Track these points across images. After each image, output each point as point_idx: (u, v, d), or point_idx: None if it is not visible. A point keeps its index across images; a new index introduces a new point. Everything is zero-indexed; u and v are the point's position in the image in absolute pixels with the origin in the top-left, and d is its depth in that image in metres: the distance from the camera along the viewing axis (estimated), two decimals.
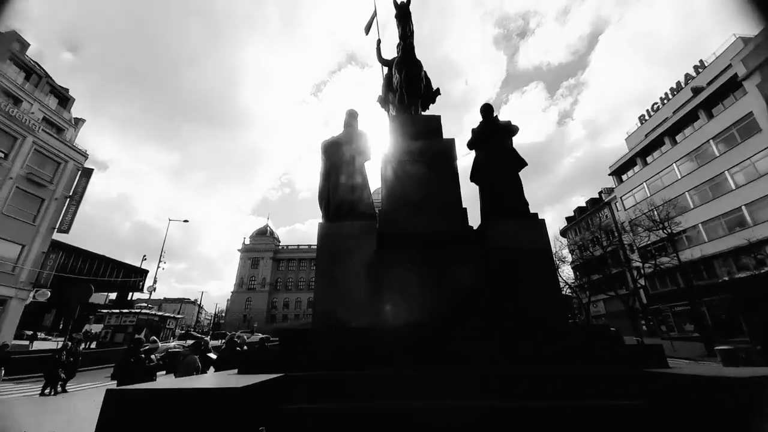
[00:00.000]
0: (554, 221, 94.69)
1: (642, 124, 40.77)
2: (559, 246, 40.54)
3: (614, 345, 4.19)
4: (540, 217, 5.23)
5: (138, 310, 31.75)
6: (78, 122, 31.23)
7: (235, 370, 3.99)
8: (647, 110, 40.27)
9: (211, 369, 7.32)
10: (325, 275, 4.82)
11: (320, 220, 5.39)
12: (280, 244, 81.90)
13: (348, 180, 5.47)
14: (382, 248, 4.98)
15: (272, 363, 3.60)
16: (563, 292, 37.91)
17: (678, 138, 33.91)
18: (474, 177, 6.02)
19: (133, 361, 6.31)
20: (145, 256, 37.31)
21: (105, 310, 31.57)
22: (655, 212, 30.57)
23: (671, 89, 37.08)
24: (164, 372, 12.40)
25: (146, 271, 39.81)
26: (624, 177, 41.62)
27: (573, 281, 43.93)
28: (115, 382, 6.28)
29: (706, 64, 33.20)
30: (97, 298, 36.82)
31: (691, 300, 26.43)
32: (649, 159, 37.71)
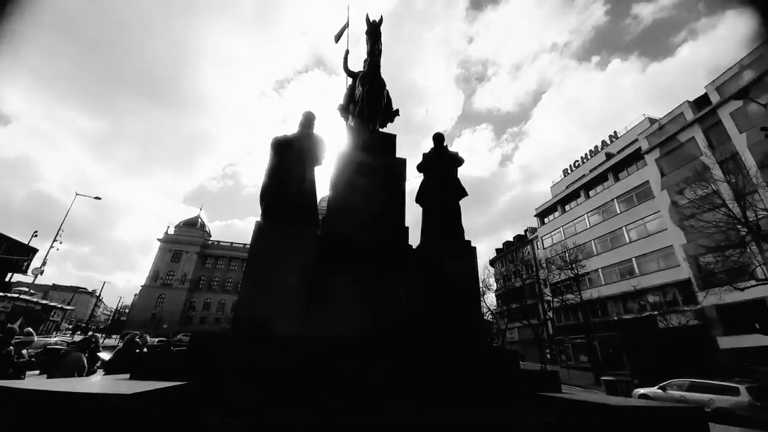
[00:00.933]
0: (487, 251, 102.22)
1: (565, 176, 46.76)
2: (487, 274, 43.71)
3: (517, 367, 4.58)
4: (475, 245, 5.61)
5: (16, 295, 26.39)
6: None
7: (128, 375, 3.50)
8: (570, 165, 46.40)
9: (101, 372, 6.32)
10: (255, 276, 4.54)
11: (259, 218, 5.11)
12: (211, 238, 75.39)
13: (295, 181, 5.31)
14: (322, 255, 4.88)
15: (176, 369, 3.24)
16: (486, 318, 40.74)
17: (591, 193, 39.41)
18: (419, 199, 6.28)
19: (2, 355, 5.19)
20: (36, 232, 31.40)
21: None
22: (567, 254, 34.79)
23: (590, 151, 43.33)
24: (38, 372, 10.44)
25: (35, 250, 33.49)
26: (546, 220, 46.85)
27: (495, 308, 47.42)
28: None
29: (619, 136, 39.57)
30: None
31: (587, 334, 30.19)
32: (567, 207, 43.06)
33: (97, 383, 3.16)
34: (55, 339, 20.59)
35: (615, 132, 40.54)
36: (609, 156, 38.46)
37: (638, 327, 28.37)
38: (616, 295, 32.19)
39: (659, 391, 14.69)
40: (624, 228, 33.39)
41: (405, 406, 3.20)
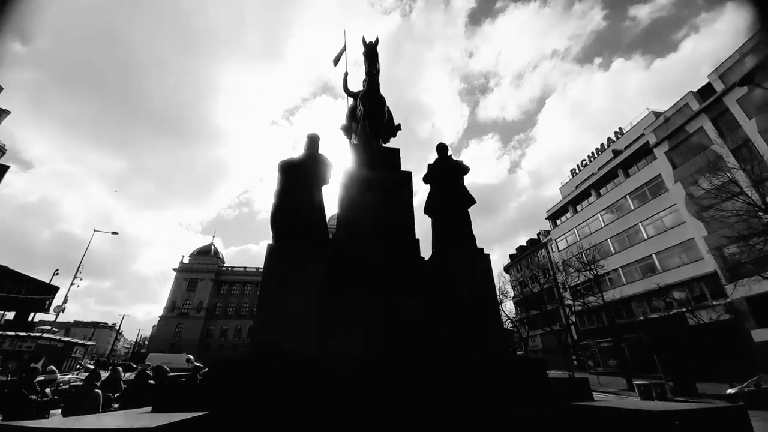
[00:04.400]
0: (500, 258, 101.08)
1: (573, 176, 46.07)
2: (503, 281, 42.85)
3: (545, 377, 4.40)
4: (487, 252, 5.53)
5: (39, 334, 26.90)
6: (0, 113, 27.35)
7: (149, 408, 3.49)
8: (577, 165, 45.72)
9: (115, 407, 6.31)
10: (269, 300, 4.54)
11: (271, 240, 5.16)
12: (225, 264, 76.11)
13: (303, 202, 5.37)
14: (334, 274, 4.87)
15: (196, 399, 3.22)
16: (506, 326, 39.65)
17: (602, 191, 38.73)
18: (428, 210, 6.27)
19: (22, 395, 5.27)
20: (57, 270, 32.24)
21: None
22: (583, 255, 33.93)
23: (596, 149, 42.72)
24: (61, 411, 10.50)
25: (56, 288, 34.32)
26: (558, 222, 46.05)
27: (514, 316, 46.23)
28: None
29: (624, 132, 39.06)
30: None
31: (613, 337, 29.02)
32: (578, 207, 42.31)
33: (119, 418, 3.16)
34: (68, 377, 18.54)
35: (620, 128, 40.04)
36: (616, 153, 37.93)
37: (667, 326, 27.19)
38: (640, 294, 31.05)
39: None
40: (640, 224, 32.54)
41: (428, 427, 3.11)
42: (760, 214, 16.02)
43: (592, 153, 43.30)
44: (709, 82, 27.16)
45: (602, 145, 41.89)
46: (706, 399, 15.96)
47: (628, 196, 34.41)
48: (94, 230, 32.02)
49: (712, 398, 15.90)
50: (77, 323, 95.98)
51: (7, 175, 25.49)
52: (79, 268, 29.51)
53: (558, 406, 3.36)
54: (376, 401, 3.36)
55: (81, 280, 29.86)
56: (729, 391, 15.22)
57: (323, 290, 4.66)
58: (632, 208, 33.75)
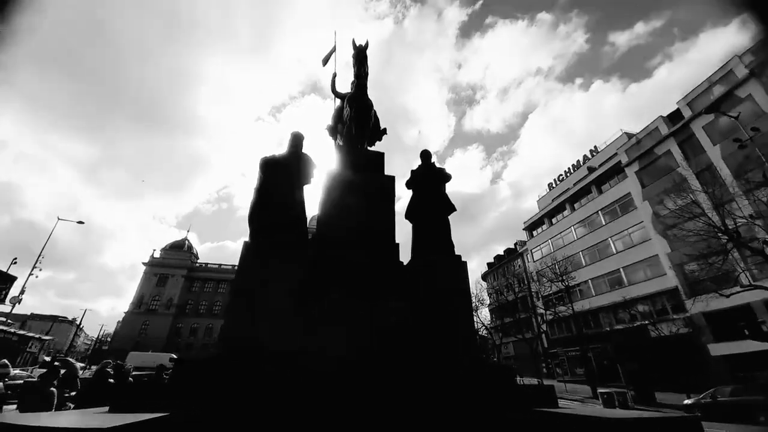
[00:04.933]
0: (478, 266, 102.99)
1: (550, 190, 47.83)
2: (480, 289, 43.58)
3: (513, 383, 4.52)
4: (466, 260, 5.62)
5: None
6: None
7: (106, 408, 3.32)
8: (555, 179, 47.52)
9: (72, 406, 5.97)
10: (243, 298, 4.44)
11: (248, 238, 5.04)
12: (199, 261, 73.50)
13: (284, 201, 5.29)
14: (314, 274, 4.81)
15: (158, 399, 3.10)
16: (480, 333, 40.29)
17: (576, 206, 40.29)
18: (409, 215, 6.32)
19: None
20: (15, 259, 30.19)
21: None
22: (556, 266, 35.10)
23: (573, 165, 44.61)
24: (15, 405, 9.82)
25: (13, 278, 32.08)
26: (535, 233, 47.50)
27: (489, 323, 47.06)
28: None
29: (599, 150, 40.93)
30: None
31: (581, 346, 30.06)
32: (554, 220, 43.82)
33: (74, 417, 2.99)
34: (16, 371, 16.20)
35: (595, 147, 41.96)
36: (591, 170, 39.65)
37: (631, 337, 28.46)
38: (607, 305, 32.41)
39: None
40: (610, 239, 34.05)
41: (400, 427, 3.12)
42: (719, 234, 17.09)
43: (569, 169, 45.13)
44: (678, 108, 28.91)
45: (578, 161, 43.77)
46: (664, 408, 16.76)
47: (600, 212, 35.97)
48: (58, 218, 30.21)
49: (670, 408, 16.71)
50: (34, 316, 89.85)
51: None
52: (39, 257, 27.74)
53: (524, 411, 3.45)
54: (355, 401, 3.34)
55: (41, 270, 28.06)
56: (686, 401, 16.05)
57: (304, 289, 4.59)
58: (603, 223, 35.29)
